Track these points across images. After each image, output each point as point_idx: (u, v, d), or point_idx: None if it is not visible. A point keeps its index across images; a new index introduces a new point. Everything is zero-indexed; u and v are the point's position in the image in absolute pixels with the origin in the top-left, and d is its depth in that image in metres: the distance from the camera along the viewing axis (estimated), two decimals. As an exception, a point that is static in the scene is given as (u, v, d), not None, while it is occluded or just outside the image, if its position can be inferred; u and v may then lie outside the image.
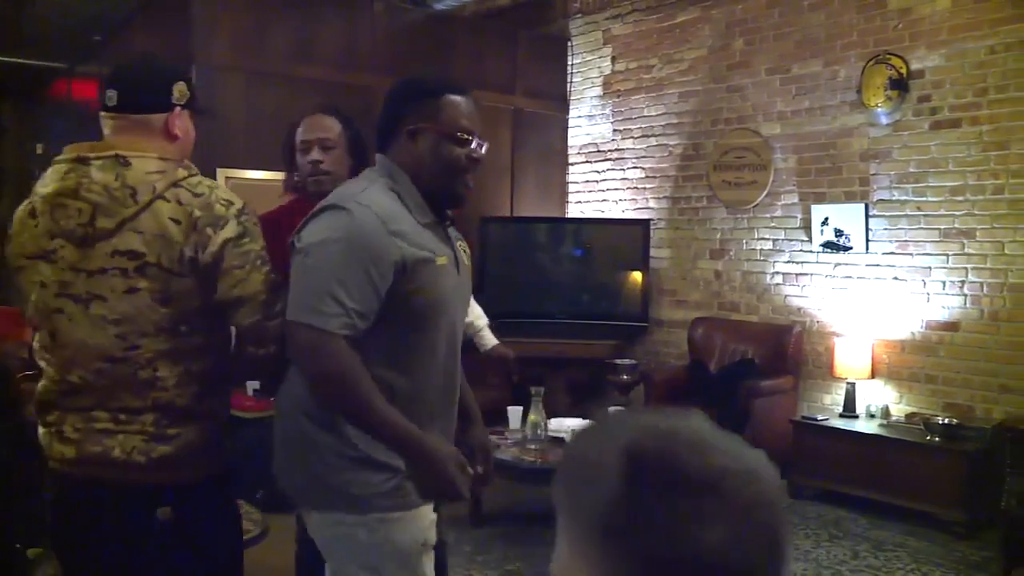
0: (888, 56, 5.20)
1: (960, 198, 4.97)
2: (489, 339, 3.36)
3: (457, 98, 1.95)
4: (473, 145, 1.95)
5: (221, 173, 5.16)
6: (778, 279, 5.88)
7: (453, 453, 1.90)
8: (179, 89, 1.95)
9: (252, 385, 4.95)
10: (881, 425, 5.07)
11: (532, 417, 4.22)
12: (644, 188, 6.73)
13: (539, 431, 4.20)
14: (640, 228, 6.48)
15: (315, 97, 5.62)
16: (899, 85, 5.16)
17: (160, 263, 1.82)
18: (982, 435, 4.61)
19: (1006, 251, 4.81)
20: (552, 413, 4.55)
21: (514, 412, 4.67)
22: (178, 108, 1.94)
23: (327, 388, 1.82)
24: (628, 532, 0.73)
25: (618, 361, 5.94)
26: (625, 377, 5.80)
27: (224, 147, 5.22)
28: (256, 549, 3.10)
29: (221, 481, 2.04)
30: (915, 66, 5.13)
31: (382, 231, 1.83)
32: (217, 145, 5.18)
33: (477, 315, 3.33)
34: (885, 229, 5.30)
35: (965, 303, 4.97)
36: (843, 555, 4.32)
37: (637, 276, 6.44)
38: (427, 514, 1.95)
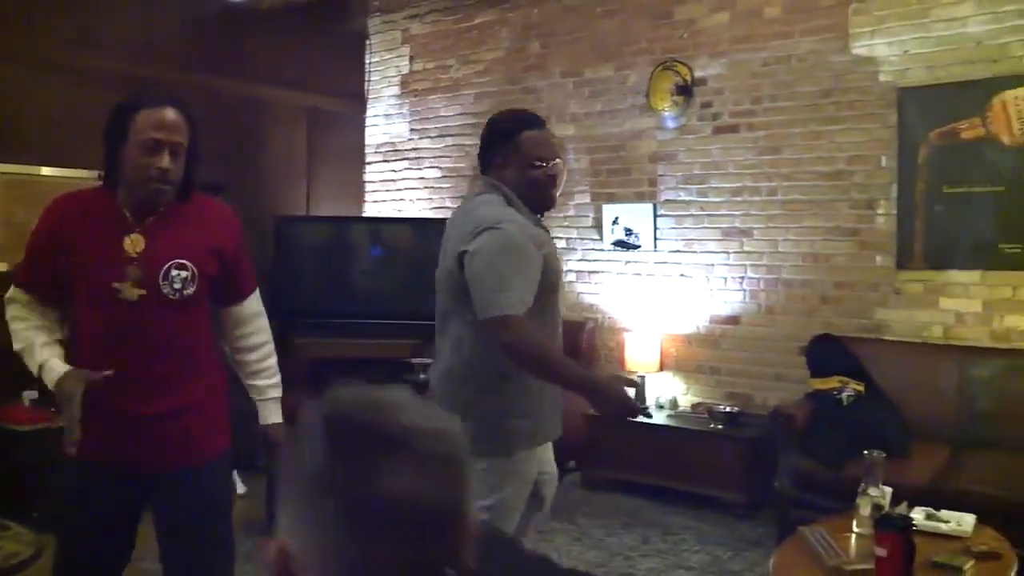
0: (674, 63, 5.45)
1: (739, 199, 5.26)
2: (272, 414, 2.59)
3: (532, 132, 2.56)
4: (548, 166, 2.57)
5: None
6: (571, 277, 6.00)
7: (619, 379, 2.55)
8: None
9: (29, 395, 4.50)
10: (669, 416, 5.27)
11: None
12: (441, 188, 6.70)
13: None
14: (437, 227, 6.37)
15: (104, 90, 5.22)
16: (684, 91, 5.41)
17: None
18: (760, 421, 4.89)
19: (779, 249, 5.14)
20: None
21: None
22: None
23: (529, 356, 2.37)
24: (331, 487, 0.79)
25: (414, 360, 5.86)
26: (422, 376, 5.73)
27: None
28: (29, 572, 2.79)
29: None
30: (699, 73, 5.40)
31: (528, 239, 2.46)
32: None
33: (269, 377, 2.61)
34: (672, 228, 5.54)
35: (744, 298, 5.27)
36: (633, 541, 4.43)
37: (435, 276, 6.38)
38: (538, 453, 2.58)
